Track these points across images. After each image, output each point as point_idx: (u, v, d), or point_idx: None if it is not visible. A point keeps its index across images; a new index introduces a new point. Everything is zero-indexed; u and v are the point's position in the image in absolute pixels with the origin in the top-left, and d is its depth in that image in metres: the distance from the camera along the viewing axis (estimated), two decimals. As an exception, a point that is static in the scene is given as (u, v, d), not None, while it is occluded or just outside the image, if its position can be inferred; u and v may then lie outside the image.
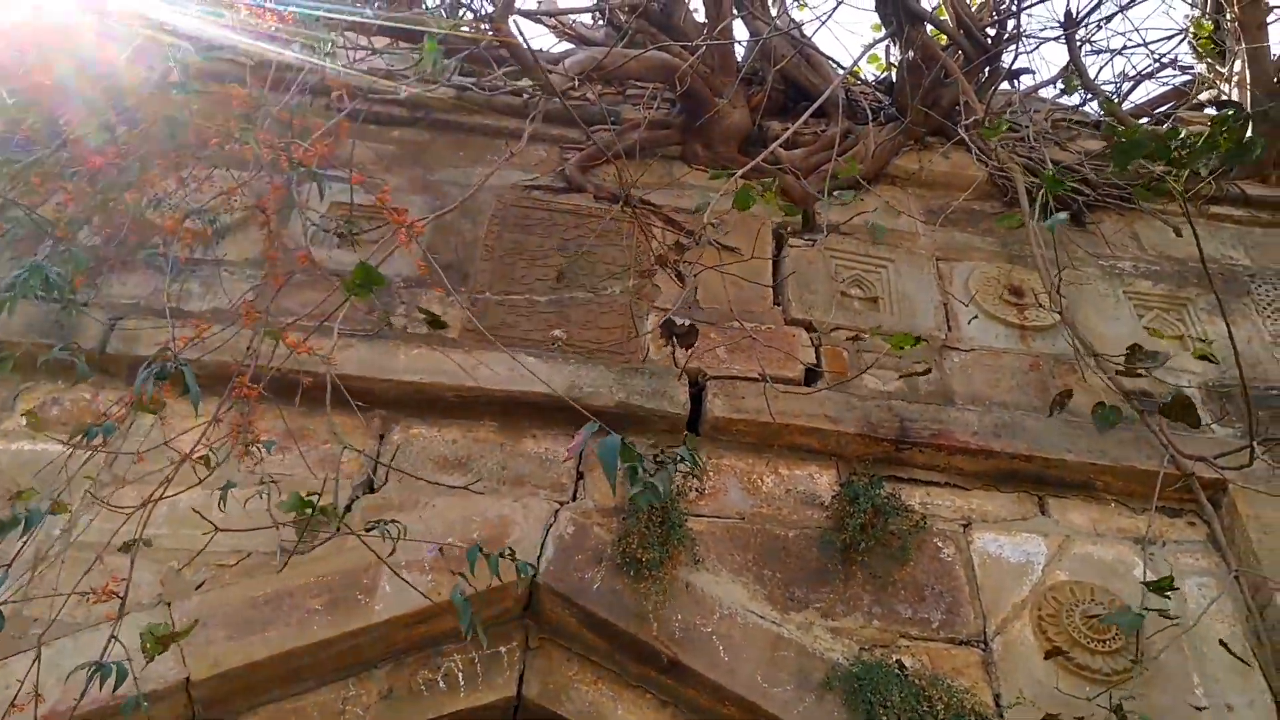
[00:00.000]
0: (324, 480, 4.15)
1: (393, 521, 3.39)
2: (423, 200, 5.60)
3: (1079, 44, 6.96)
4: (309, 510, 3.18)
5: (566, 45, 7.02)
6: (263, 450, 3.55)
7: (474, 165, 5.90)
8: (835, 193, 5.38)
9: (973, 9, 6.50)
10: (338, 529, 3.45)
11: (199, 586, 4.06)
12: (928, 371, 4.98)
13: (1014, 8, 6.36)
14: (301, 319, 3.74)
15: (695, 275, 5.06)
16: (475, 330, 4.78)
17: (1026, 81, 7.74)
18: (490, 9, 5.67)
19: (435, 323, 4.30)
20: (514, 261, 5.32)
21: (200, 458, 3.42)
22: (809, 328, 5.33)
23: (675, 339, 4.80)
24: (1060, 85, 7.13)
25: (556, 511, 4.42)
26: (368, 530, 3.38)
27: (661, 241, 5.34)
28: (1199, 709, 4.08)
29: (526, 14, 7.39)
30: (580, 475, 4.53)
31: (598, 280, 5.28)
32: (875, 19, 6.79)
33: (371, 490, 4.46)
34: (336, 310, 3.62)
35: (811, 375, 5.04)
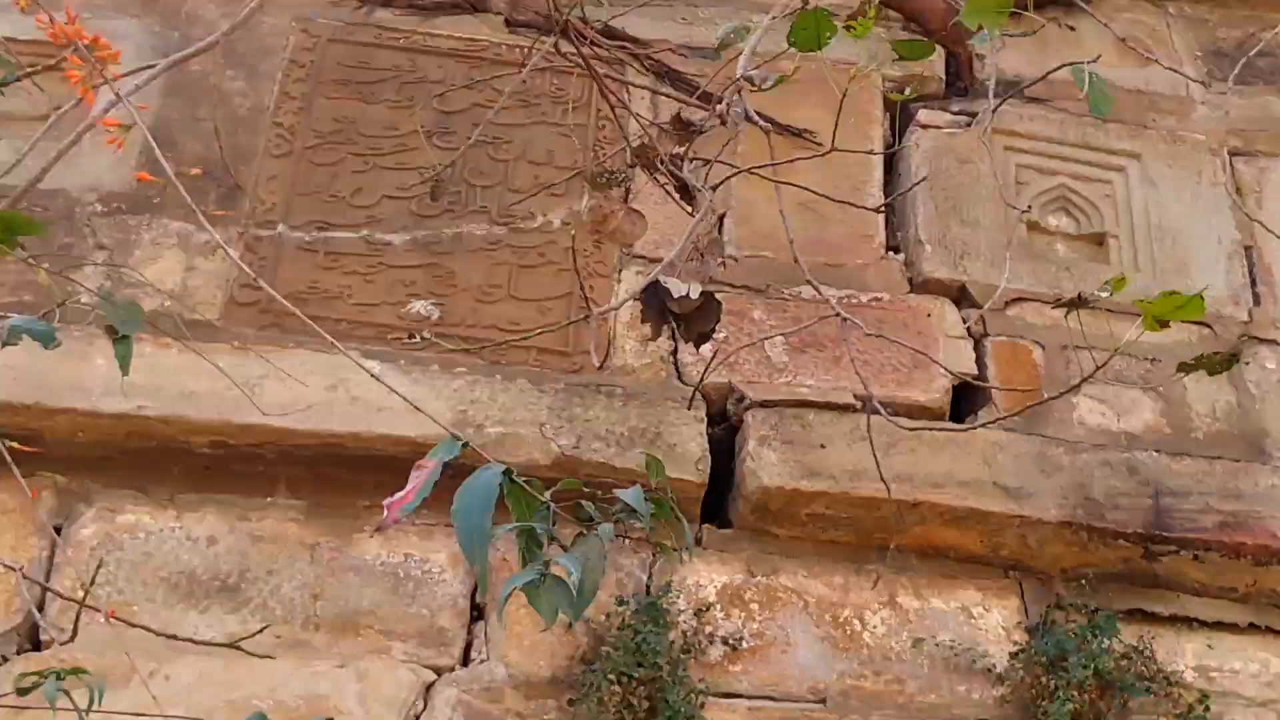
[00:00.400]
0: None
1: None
2: (152, 36, 4.33)
3: None
4: None
5: None
6: None
7: (257, -33, 4.91)
8: (1014, 12, 3.47)
9: None
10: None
11: None
12: (1230, 364, 3.45)
13: None
14: None
15: (715, 188, 3.50)
16: (256, 304, 3.72)
17: None
18: None
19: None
20: (337, 160, 4.06)
21: None
22: (961, 297, 4.10)
23: (675, 325, 3.72)
24: None
25: (429, 687, 3.41)
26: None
27: (646, 117, 3.84)
28: None
29: None
30: (477, 609, 3.52)
31: (511, 199, 4.06)
32: None
33: (37, 646, 3.37)
34: None
35: (967, 397, 3.91)
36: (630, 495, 2.37)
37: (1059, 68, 3.69)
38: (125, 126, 2.59)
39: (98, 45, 2.50)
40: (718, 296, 3.70)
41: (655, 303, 3.59)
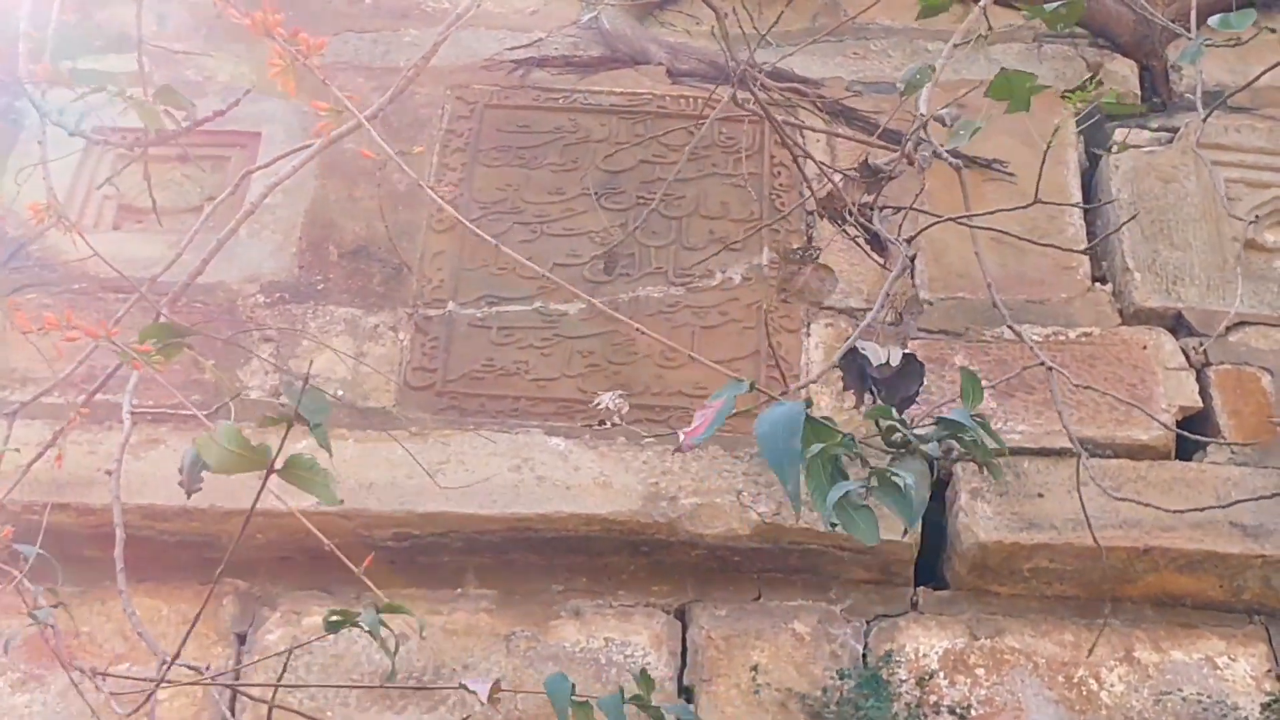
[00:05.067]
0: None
1: None
2: (301, 115, 4.25)
3: None
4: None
5: None
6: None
7: (402, 21, 4.56)
8: (1217, 17, 3.44)
9: None
10: None
11: None
12: None
13: None
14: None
15: (910, 240, 3.48)
16: (431, 387, 3.65)
17: None
18: None
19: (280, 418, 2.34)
20: (503, 230, 3.96)
21: None
22: (1177, 325, 3.91)
23: (876, 390, 3.64)
24: None
25: None
26: None
27: (823, 160, 3.98)
28: None
29: None
30: (686, 692, 3.36)
31: (688, 258, 3.95)
32: None
33: None
34: (105, 380, 2.76)
35: (1193, 432, 3.62)
36: (958, 414, 2.62)
37: (1270, 68, 3.80)
38: (337, 111, 2.61)
39: (297, 39, 2.49)
40: (914, 349, 3.73)
41: (855, 368, 3.65)
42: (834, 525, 2.32)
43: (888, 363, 3.70)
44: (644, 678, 2.28)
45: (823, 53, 4.40)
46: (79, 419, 2.88)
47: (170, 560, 3.30)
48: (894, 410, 2.49)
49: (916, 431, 2.99)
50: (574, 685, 2.18)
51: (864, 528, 2.27)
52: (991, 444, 2.77)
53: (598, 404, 3.73)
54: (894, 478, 2.32)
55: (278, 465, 1.97)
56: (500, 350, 3.75)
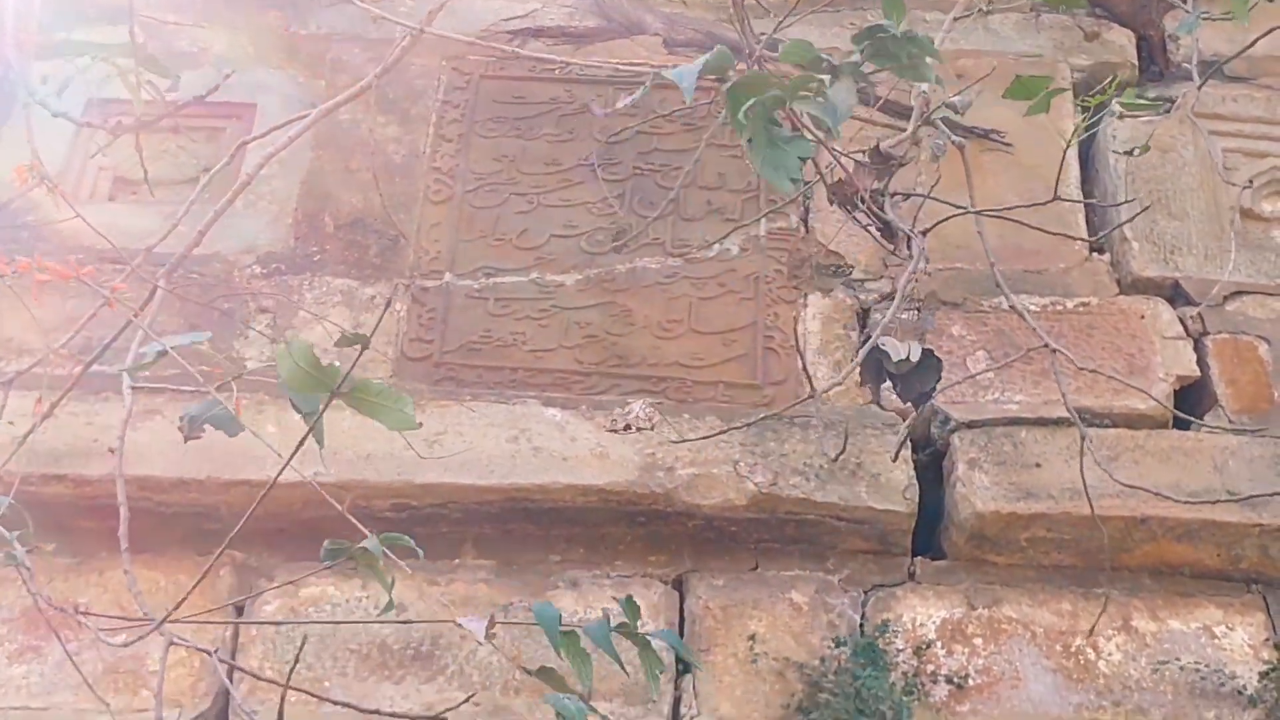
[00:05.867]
0: (114, 718, 3.14)
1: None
2: (297, 86, 4.33)
3: None
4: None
5: None
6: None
7: (392, -8, 4.74)
8: (1217, -15, 3.83)
9: None
10: None
11: None
12: None
13: None
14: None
15: (925, 232, 3.39)
16: (429, 358, 3.65)
17: None
18: None
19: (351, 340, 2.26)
20: (500, 201, 3.99)
21: None
22: (1175, 295, 3.93)
23: (893, 385, 3.66)
24: None
25: None
26: None
27: (818, 133, 3.37)
28: None
29: None
30: (683, 663, 3.28)
31: (685, 229, 3.93)
32: None
33: None
34: (103, 350, 2.72)
35: (1191, 402, 3.71)
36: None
37: (1265, 34, 3.79)
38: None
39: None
40: (931, 348, 3.72)
41: (872, 362, 3.67)
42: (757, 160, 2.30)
43: (907, 359, 3.71)
44: (629, 604, 2.19)
45: (820, 22, 4.35)
46: (74, 389, 2.84)
47: (167, 532, 3.29)
48: (812, 45, 2.37)
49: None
50: (560, 615, 2.10)
51: (777, 170, 2.24)
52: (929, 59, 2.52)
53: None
54: (817, 86, 2.24)
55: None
56: (497, 321, 3.75)
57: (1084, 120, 3.61)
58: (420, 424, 2.21)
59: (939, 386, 3.74)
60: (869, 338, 3.50)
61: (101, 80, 3.37)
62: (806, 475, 3.49)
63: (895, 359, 3.67)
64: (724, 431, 3.56)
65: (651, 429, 3.65)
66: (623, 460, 3.50)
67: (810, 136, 2.97)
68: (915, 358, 3.70)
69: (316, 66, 4.44)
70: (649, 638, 2.35)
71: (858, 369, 3.68)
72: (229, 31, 4.43)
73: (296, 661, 3.05)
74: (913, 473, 3.52)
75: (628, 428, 3.66)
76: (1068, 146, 3.46)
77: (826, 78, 2.23)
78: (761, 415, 3.66)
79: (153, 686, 3.30)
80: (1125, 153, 4.11)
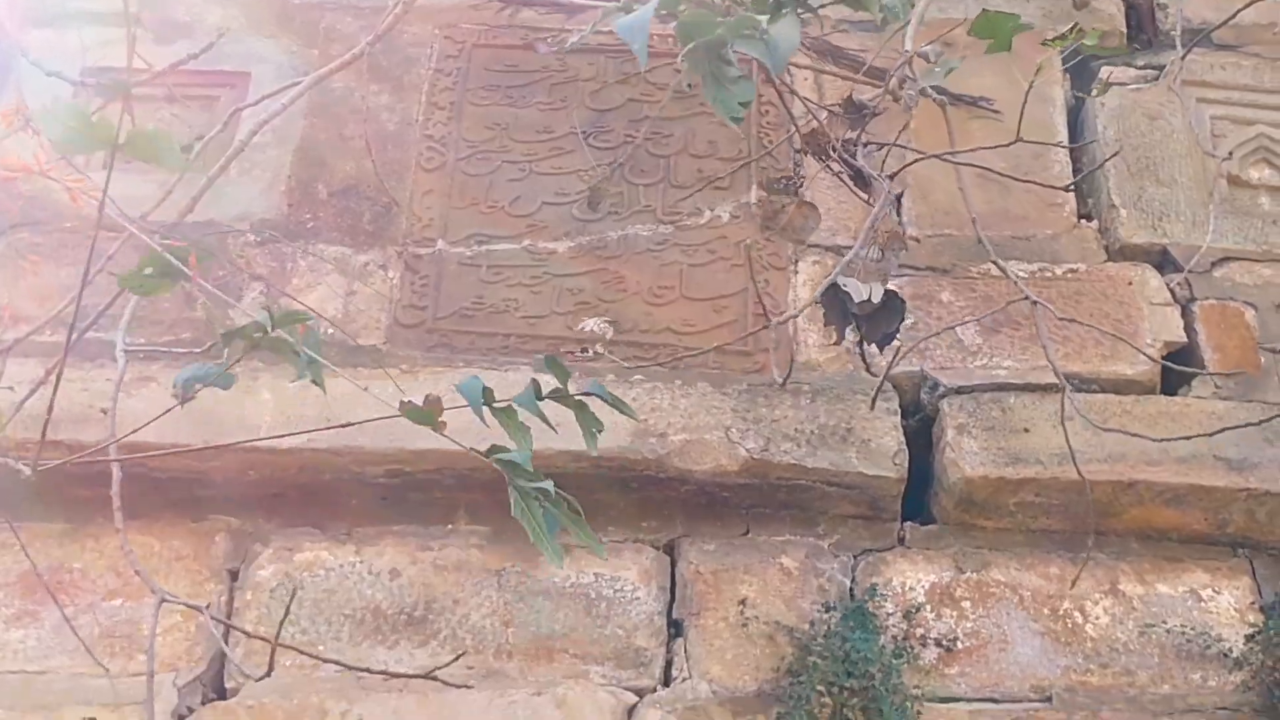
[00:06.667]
0: (111, 681, 3.16)
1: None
2: (290, 55, 4.32)
3: None
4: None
5: None
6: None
7: (386, -39, 4.61)
8: (1194, -43, 3.88)
9: None
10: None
11: None
12: None
13: None
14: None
15: (892, 176, 3.50)
16: (422, 325, 3.66)
17: None
18: None
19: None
20: (492, 169, 3.99)
21: None
22: (1163, 261, 3.94)
23: (858, 326, 3.68)
24: None
25: (631, 710, 3.27)
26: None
27: (810, 99, 3.89)
28: None
29: None
30: (675, 626, 3.37)
31: (676, 196, 3.93)
32: None
33: (223, 694, 3.29)
34: (98, 316, 2.83)
35: (1178, 365, 3.70)
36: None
37: (1251, 2, 3.85)
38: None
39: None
40: (901, 285, 3.72)
41: (836, 304, 3.65)
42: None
43: (869, 299, 3.70)
44: (551, 363, 2.24)
45: (810, -15, 4.23)
46: (70, 357, 2.82)
47: (161, 497, 3.29)
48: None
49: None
50: (491, 390, 2.12)
51: (726, 106, 2.24)
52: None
53: (583, 326, 3.74)
54: (757, 25, 2.20)
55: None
56: (490, 288, 3.76)
57: (1045, 56, 3.59)
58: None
59: (900, 328, 3.74)
60: (834, 282, 3.53)
61: (97, 46, 3.40)
62: (797, 441, 3.50)
63: (857, 300, 3.67)
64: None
65: (605, 344, 3.69)
66: (615, 426, 3.29)
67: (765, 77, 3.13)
68: (877, 299, 3.71)
69: (310, 35, 4.39)
70: (581, 398, 2.42)
71: (822, 311, 3.69)
72: (223, 3, 4.40)
73: (286, 614, 3.16)
74: (902, 438, 3.52)
75: (584, 349, 3.72)
76: (1029, 87, 3.38)
77: (765, 17, 2.23)
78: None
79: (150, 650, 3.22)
80: (1088, 95, 4.19)
